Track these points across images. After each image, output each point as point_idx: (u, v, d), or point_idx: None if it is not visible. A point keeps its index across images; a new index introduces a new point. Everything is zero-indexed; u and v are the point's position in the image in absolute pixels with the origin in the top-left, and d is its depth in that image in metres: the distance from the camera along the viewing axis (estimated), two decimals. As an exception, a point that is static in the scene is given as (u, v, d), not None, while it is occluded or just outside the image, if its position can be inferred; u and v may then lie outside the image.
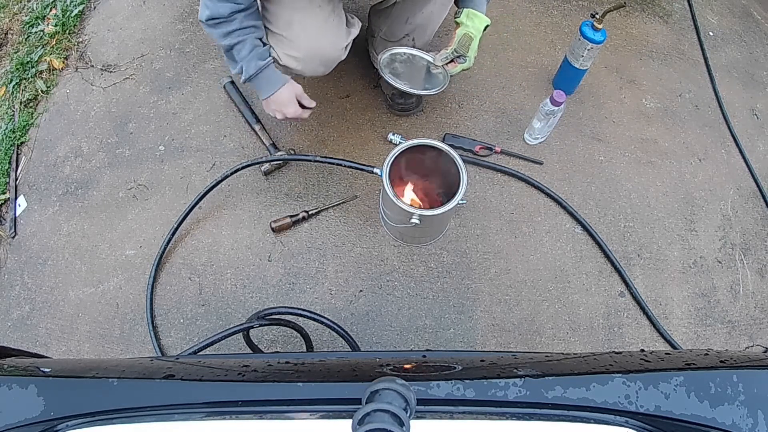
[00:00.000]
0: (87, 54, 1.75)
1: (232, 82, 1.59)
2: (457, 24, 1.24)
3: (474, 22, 1.22)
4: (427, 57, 1.30)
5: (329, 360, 0.67)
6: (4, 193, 1.52)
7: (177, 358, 0.84)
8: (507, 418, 0.49)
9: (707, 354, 0.60)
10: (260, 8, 1.14)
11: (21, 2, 1.92)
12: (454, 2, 1.28)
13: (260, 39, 1.13)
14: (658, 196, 1.52)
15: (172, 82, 1.65)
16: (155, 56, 1.71)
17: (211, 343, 0.88)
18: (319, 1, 1.15)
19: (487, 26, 1.24)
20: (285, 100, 1.20)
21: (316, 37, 1.16)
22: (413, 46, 1.39)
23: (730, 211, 1.53)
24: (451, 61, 1.26)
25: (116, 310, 1.33)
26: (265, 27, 1.16)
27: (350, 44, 1.25)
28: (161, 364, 0.62)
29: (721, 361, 0.58)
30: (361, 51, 1.57)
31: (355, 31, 1.27)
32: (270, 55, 1.15)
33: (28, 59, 1.73)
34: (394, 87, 1.32)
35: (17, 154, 1.59)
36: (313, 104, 1.26)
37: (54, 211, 1.47)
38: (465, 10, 1.24)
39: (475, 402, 0.50)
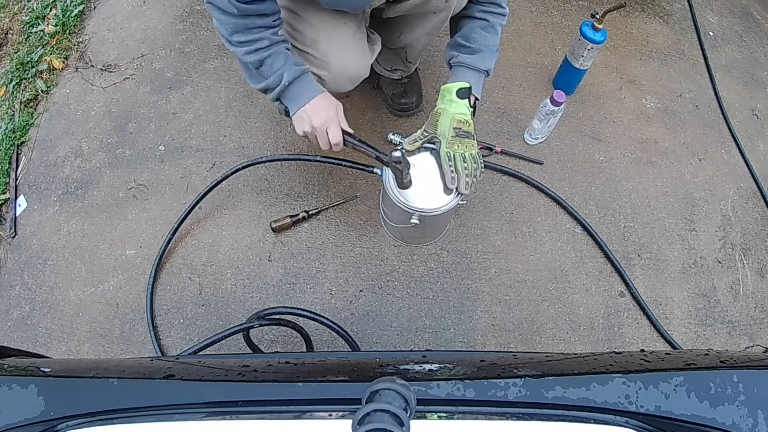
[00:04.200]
0: (87, 54, 1.75)
1: None
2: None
3: (444, 96, 1.10)
4: (401, 141, 1.15)
5: (329, 360, 0.67)
6: (4, 193, 1.52)
7: (177, 358, 0.84)
8: (507, 418, 0.49)
9: (707, 354, 0.60)
10: (284, 24, 1.08)
11: (21, 2, 1.92)
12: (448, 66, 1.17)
13: (288, 49, 1.04)
14: (658, 196, 1.52)
15: (172, 82, 1.65)
16: (155, 56, 1.71)
17: (211, 343, 0.88)
18: (344, 19, 1.12)
19: (467, 90, 1.07)
20: (323, 106, 1.04)
21: (345, 57, 1.12)
22: (406, 59, 1.39)
23: (730, 211, 1.53)
24: (427, 141, 1.11)
25: (116, 310, 1.33)
26: (291, 44, 1.08)
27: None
28: (161, 364, 0.62)
29: (721, 361, 0.58)
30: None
31: (377, 48, 1.24)
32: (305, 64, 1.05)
33: (28, 59, 1.73)
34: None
35: (17, 154, 1.59)
36: (349, 130, 1.08)
37: (54, 211, 1.47)
38: (441, 88, 1.12)
39: (475, 402, 0.50)
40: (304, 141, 1.54)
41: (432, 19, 1.15)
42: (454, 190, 1.08)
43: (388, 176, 1.12)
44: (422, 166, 1.13)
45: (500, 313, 1.34)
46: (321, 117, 1.03)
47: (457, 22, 1.17)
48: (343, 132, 1.06)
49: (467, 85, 1.08)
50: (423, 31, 1.22)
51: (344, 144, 1.07)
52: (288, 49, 1.03)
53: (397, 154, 1.03)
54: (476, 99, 1.13)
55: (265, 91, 1.05)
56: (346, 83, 1.19)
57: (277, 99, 1.06)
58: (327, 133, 1.04)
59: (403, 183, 1.07)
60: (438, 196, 1.09)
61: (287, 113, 1.09)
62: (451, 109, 1.07)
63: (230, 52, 1.69)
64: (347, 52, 1.13)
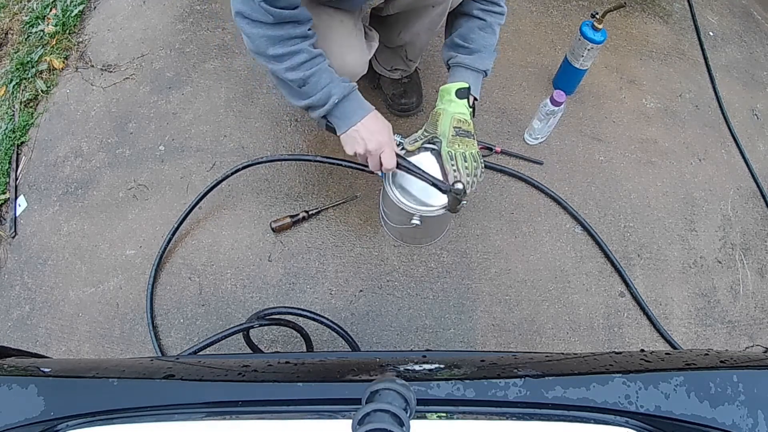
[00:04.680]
0: (87, 54, 1.75)
1: None
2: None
3: (443, 97, 1.11)
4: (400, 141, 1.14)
5: (329, 360, 0.67)
6: (4, 193, 1.52)
7: (177, 358, 0.84)
8: (507, 418, 0.49)
9: (707, 354, 0.60)
10: None
11: (21, 2, 1.92)
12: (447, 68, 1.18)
13: (331, 66, 1.01)
14: (658, 196, 1.52)
15: (172, 82, 1.65)
16: (155, 56, 1.71)
17: (211, 343, 0.88)
18: (341, 16, 1.11)
19: (466, 90, 1.09)
20: (377, 128, 1.01)
21: (341, 53, 1.10)
22: (406, 57, 1.39)
23: (730, 211, 1.53)
24: (428, 141, 1.11)
25: (116, 310, 1.33)
26: None
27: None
28: (161, 364, 0.62)
29: (721, 361, 0.58)
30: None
31: (375, 44, 1.23)
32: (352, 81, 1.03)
33: (28, 59, 1.73)
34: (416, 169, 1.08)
35: (17, 154, 1.59)
36: (400, 152, 1.06)
37: (54, 211, 1.47)
38: (441, 89, 1.13)
39: (475, 402, 0.50)
40: (305, 141, 1.54)
41: (431, 12, 1.15)
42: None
43: (389, 177, 1.12)
44: (423, 167, 1.13)
45: (500, 313, 1.34)
46: (376, 140, 1.00)
47: (454, 20, 1.17)
48: (397, 155, 1.04)
49: (466, 85, 1.09)
50: (423, 26, 1.21)
51: (397, 167, 1.04)
52: (330, 66, 1.01)
53: (460, 186, 1.02)
54: (475, 99, 1.13)
55: (308, 108, 1.02)
56: None
57: (323, 117, 1.03)
58: (380, 157, 1.02)
59: (456, 209, 1.06)
60: (439, 197, 1.09)
61: (330, 129, 1.06)
62: (451, 108, 1.08)
63: (230, 53, 1.70)
64: (344, 48, 1.12)
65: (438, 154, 1.09)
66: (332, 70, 1.00)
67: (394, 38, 1.32)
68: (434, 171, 1.11)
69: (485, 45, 1.11)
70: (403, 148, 1.12)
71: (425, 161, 1.12)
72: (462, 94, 1.08)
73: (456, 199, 1.04)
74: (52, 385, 0.54)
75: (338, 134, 1.05)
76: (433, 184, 1.05)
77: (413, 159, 1.11)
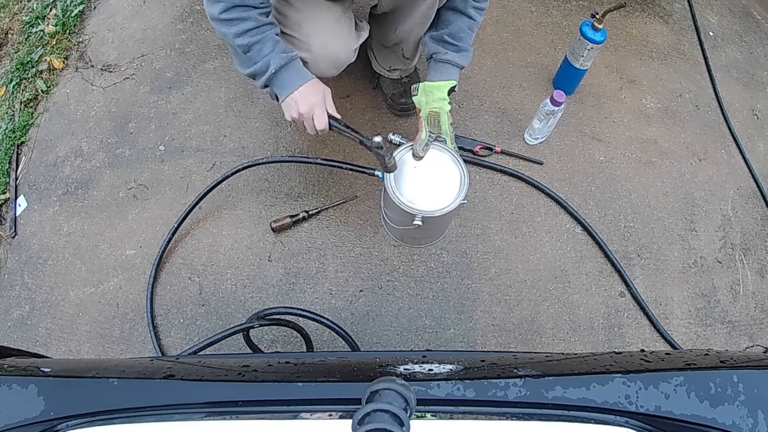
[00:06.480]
0: (87, 54, 1.75)
1: None
2: (417, 106, 1.21)
3: (433, 95, 1.17)
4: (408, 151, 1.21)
5: (329, 360, 0.67)
6: (4, 193, 1.52)
7: (177, 358, 0.84)
8: (507, 418, 0.49)
9: (707, 354, 0.60)
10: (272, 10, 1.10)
11: (21, 2, 1.92)
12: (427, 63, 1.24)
13: (278, 35, 1.07)
14: (658, 196, 1.52)
15: (172, 82, 1.65)
16: (155, 56, 1.71)
17: (211, 343, 0.88)
18: (329, 3, 1.14)
19: (453, 88, 1.18)
20: (310, 92, 1.07)
21: (327, 39, 1.14)
22: (403, 56, 1.41)
23: (730, 211, 1.53)
24: (433, 141, 1.19)
25: (116, 310, 1.33)
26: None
27: (358, 48, 1.24)
28: (161, 364, 0.62)
29: (721, 361, 0.58)
30: (362, 52, 1.56)
31: (364, 35, 1.26)
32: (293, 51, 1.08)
33: (28, 59, 1.73)
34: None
35: (17, 154, 1.59)
36: (336, 115, 1.11)
37: (54, 211, 1.47)
38: (420, 85, 1.20)
39: (475, 402, 0.50)
40: (305, 140, 1.54)
41: (421, 6, 1.16)
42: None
43: (390, 179, 1.12)
44: (423, 168, 1.15)
45: (500, 313, 1.34)
46: (308, 103, 1.06)
47: (444, 15, 1.19)
48: (330, 117, 1.09)
49: (455, 83, 1.18)
50: (414, 20, 1.23)
51: (330, 128, 1.10)
52: (277, 35, 1.05)
53: (378, 139, 1.05)
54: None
55: (253, 76, 1.07)
56: (329, 66, 1.20)
57: (266, 86, 1.08)
58: (313, 119, 1.08)
59: (388, 167, 1.11)
60: (440, 197, 1.12)
61: (277, 99, 1.11)
62: (445, 107, 1.18)
63: (230, 52, 1.70)
64: (330, 34, 1.14)
65: (446, 149, 1.18)
66: (278, 40, 1.05)
67: (390, 36, 1.33)
68: (435, 172, 1.16)
69: (470, 43, 1.20)
70: (416, 154, 1.17)
71: (426, 163, 1.17)
72: (451, 92, 1.19)
73: (381, 156, 1.08)
74: (52, 385, 0.54)
75: (279, 102, 1.10)
76: (360, 142, 1.10)
77: (430, 159, 1.17)
